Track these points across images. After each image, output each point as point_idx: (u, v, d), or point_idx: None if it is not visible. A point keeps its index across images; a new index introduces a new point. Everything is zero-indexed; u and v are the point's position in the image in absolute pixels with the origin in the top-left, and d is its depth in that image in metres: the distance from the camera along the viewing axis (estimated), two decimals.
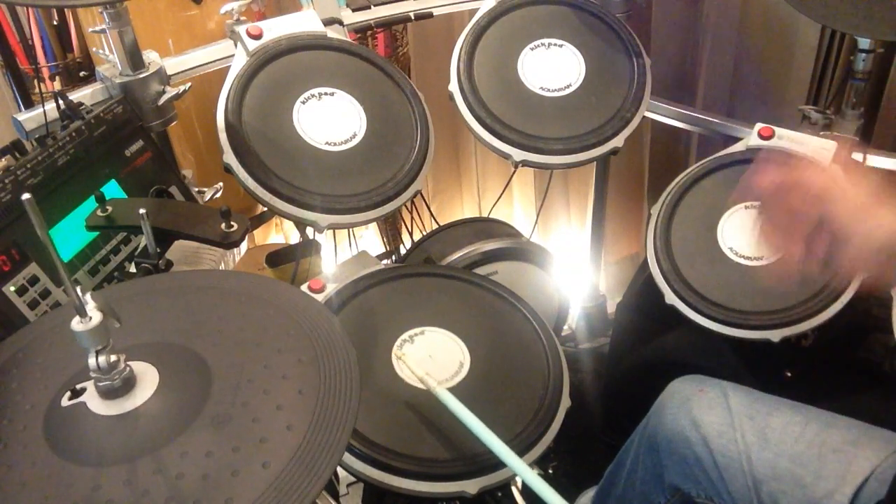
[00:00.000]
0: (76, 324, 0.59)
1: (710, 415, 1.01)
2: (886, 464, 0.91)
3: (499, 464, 0.92)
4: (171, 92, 1.25)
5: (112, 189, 1.13)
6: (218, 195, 1.37)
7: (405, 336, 1.04)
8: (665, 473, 1.06)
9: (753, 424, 0.99)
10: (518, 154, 1.23)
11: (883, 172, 1.31)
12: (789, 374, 1.36)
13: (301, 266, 1.42)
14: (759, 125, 1.26)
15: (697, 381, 1.07)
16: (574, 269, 1.93)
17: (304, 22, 1.21)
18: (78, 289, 0.58)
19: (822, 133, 1.28)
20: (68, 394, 0.64)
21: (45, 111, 1.13)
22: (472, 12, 1.33)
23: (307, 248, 1.47)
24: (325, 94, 1.16)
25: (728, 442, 0.99)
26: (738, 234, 1.18)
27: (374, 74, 1.22)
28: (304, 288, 1.09)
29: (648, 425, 1.10)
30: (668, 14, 1.75)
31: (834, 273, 0.65)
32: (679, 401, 1.05)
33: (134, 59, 1.21)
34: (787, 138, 1.23)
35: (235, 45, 1.18)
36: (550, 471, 1.51)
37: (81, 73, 1.86)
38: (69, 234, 1.05)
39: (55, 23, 1.85)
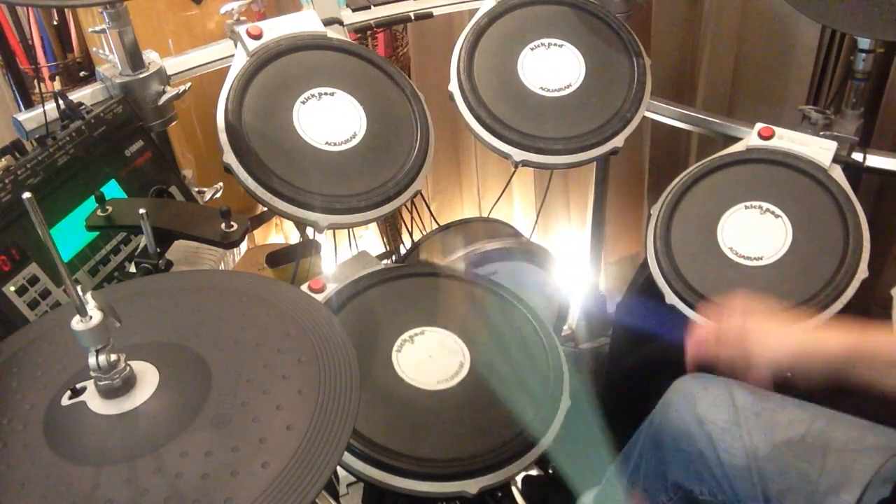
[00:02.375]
0: (76, 323, 0.59)
1: (714, 412, 1.01)
2: (891, 463, 0.91)
3: (499, 464, 0.92)
4: (171, 92, 1.25)
5: (112, 189, 1.12)
6: (218, 195, 1.37)
7: (405, 336, 1.04)
8: (669, 471, 1.06)
9: (758, 421, 0.99)
10: (518, 154, 1.23)
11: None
12: (789, 374, 1.35)
13: (301, 266, 1.42)
14: (759, 125, 1.26)
15: (703, 379, 1.07)
16: (574, 269, 1.93)
17: (304, 22, 1.21)
18: (78, 288, 0.58)
19: (822, 133, 1.28)
20: (68, 393, 0.64)
21: (45, 111, 1.13)
22: (472, 12, 1.33)
23: (307, 248, 1.47)
24: (325, 94, 1.16)
25: (733, 439, 0.99)
26: (738, 234, 1.18)
27: (374, 74, 1.22)
28: (304, 288, 1.09)
29: (653, 423, 1.10)
30: (668, 14, 1.75)
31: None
32: (684, 398, 1.05)
33: (134, 59, 1.21)
34: (787, 138, 1.24)
35: (235, 45, 1.18)
36: (550, 471, 1.51)
37: (81, 73, 1.86)
38: (69, 234, 1.05)
39: (55, 23, 1.85)
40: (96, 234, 1.08)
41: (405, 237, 1.74)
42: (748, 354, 0.86)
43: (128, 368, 0.63)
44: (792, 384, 0.90)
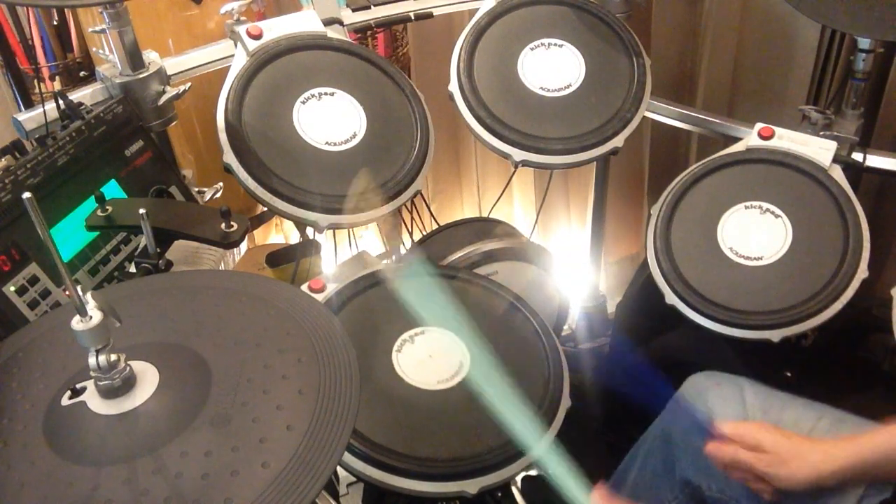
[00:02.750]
0: (76, 323, 0.59)
1: (725, 408, 1.02)
2: None
3: (499, 464, 0.92)
4: (171, 92, 1.25)
5: (112, 189, 1.13)
6: (218, 195, 1.37)
7: (405, 336, 1.04)
8: (677, 467, 1.07)
9: (767, 418, 1.00)
10: (518, 154, 1.23)
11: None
12: (789, 374, 1.36)
13: (301, 266, 1.42)
14: (759, 125, 1.26)
15: (714, 377, 1.09)
16: (574, 269, 1.93)
17: (304, 22, 1.21)
18: (78, 288, 0.58)
19: (822, 133, 1.28)
20: (68, 393, 0.64)
21: (45, 111, 1.13)
22: (472, 12, 1.33)
23: (307, 248, 1.47)
24: (325, 94, 1.16)
25: None
26: (738, 234, 1.18)
27: (374, 74, 1.22)
28: (304, 288, 1.09)
29: (664, 420, 1.11)
30: (668, 14, 1.75)
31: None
32: (695, 394, 1.06)
33: (134, 59, 1.21)
34: (787, 138, 1.24)
35: (235, 45, 1.18)
36: (550, 471, 1.50)
37: (81, 73, 1.86)
38: (69, 234, 1.05)
39: (55, 23, 1.85)
40: (96, 234, 1.08)
41: (405, 237, 1.74)
42: (763, 469, 0.90)
43: (128, 368, 0.63)
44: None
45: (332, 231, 1.42)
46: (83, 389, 0.64)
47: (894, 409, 0.90)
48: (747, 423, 0.96)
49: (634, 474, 1.17)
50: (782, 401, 1.03)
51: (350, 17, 1.42)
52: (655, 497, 1.12)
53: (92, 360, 0.60)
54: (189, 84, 1.28)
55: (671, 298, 1.17)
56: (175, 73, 1.29)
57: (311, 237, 1.50)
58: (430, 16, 1.46)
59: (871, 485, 0.89)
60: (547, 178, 1.75)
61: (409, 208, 1.64)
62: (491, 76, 1.28)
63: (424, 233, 1.62)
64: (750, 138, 1.26)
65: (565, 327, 1.82)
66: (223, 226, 0.97)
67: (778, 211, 1.18)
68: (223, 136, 1.08)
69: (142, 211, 0.92)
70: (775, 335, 1.11)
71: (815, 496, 0.92)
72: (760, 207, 1.19)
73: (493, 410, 0.95)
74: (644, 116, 1.31)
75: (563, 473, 0.90)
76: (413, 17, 1.45)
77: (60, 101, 1.12)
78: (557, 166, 1.28)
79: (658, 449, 1.12)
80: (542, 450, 0.96)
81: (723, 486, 1.01)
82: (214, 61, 1.32)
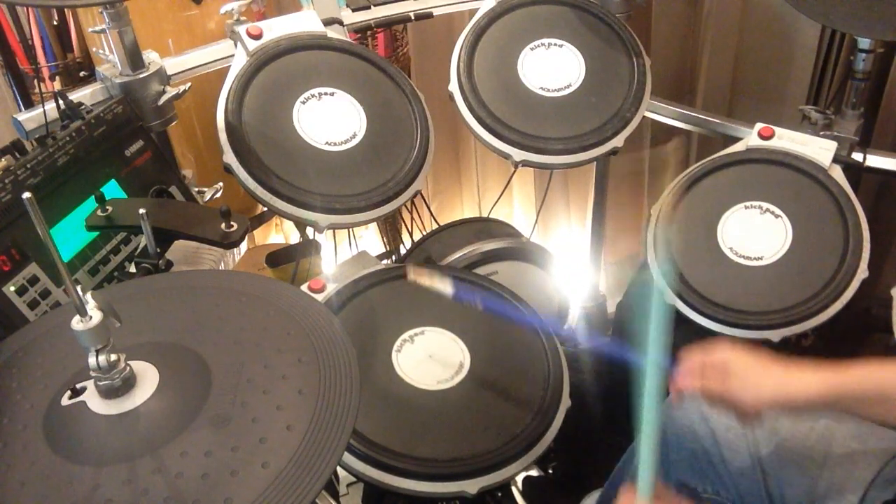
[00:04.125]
0: (76, 323, 0.59)
1: (719, 409, 1.01)
2: (893, 464, 0.91)
3: (499, 464, 0.92)
4: (171, 92, 1.25)
5: (112, 189, 1.12)
6: (218, 195, 1.37)
7: (405, 336, 1.04)
8: (672, 469, 1.06)
9: (764, 416, 0.99)
10: (518, 154, 1.23)
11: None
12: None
13: (301, 266, 1.42)
14: (759, 125, 1.26)
15: None
16: (574, 269, 1.93)
17: (304, 22, 1.21)
18: (78, 288, 0.58)
19: (822, 133, 1.28)
20: (68, 393, 0.64)
21: (45, 111, 1.13)
22: (472, 12, 1.33)
23: (307, 248, 1.47)
24: (325, 94, 1.16)
25: (736, 437, 0.99)
26: (738, 234, 1.18)
27: (374, 74, 1.22)
28: (304, 288, 1.09)
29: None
30: (668, 14, 1.75)
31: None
32: (689, 396, 1.05)
33: (134, 59, 1.21)
34: (787, 138, 1.24)
35: (235, 45, 1.18)
36: (550, 471, 1.51)
37: (81, 73, 1.86)
38: (69, 234, 1.05)
39: (55, 23, 1.85)
40: (96, 234, 1.08)
41: (405, 237, 1.74)
42: (730, 392, 0.87)
43: (128, 368, 0.63)
44: None
45: (332, 231, 1.42)
46: (83, 389, 0.64)
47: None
48: (713, 347, 0.92)
49: (631, 475, 1.17)
50: None
51: (350, 17, 1.42)
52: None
53: (92, 360, 0.60)
54: (189, 84, 1.28)
55: (671, 298, 1.17)
56: (175, 73, 1.29)
57: (311, 237, 1.50)
58: (430, 16, 1.46)
59: (872, 486, 0.89)
60: (547, 178, 1.75)
61: (409, 208, 1.64)
62: (491, 76, 1.28)
63: (424, 233, 1.62)
64: (750, 138, 1.26)
65: (565, 327, 1.82)
66: (223, 226, 0.97)
67: (778, 211, 1.18)
68: (223, 136, 1.08)
69: (142, 211, 0.92)
70: (775, 335, 1.11)
71: (815, 496, 0.92)
72: (760, 207, 1.19)
73: (493, 410, 0.95)
74: (644, 116, 1.31)
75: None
76: (413, 17, 1.45)
77: (60, 101, 1.12)
78: (557, 166, 1.28)
79: None
80: (542, 450, 0.96)
81: (718, 489, 1.00)
82: (214, 61, 1.32)
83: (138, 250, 1.05)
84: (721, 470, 0.99)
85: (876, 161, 1.31)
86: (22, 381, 0.68)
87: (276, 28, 1.18)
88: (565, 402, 1.02)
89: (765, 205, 1.19)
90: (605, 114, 1.28)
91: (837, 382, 0.83)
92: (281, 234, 2.18)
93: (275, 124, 1.12)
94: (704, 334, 1.14)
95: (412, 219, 1.67)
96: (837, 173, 1.20)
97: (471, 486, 0.90)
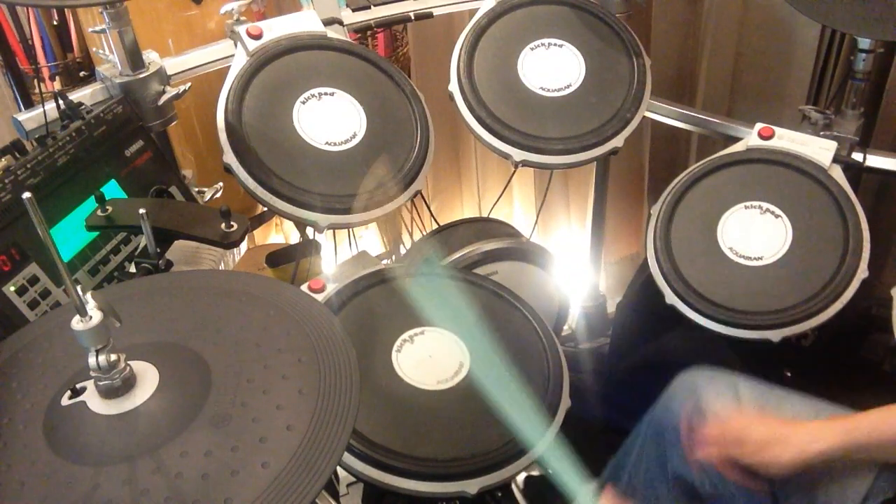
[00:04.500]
0: (76, 323, 0.59)
1: (717, 404, 1.01)
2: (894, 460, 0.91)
3: (499, 464, 0.92)
4: (171, 92, 1.25)
5: (112, 189, 1.13)
6: (218, 195, 1.37)
7: (405, 336, 1.04)
8: (670, 462, 1.06)
9: (762, 414, 0.99)
10: (518, 154, 1.23)
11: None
12: (789, 374, 1.36)
13: (301, 266, 1.42)
14: (759, 125, 1.26)
15: (708, 372, 1.07)
16: (574, 269, 1.93)
17: (304, 22, 1.21)
18: (78, 288, 0.58)
19: (822, 133, 1.28)
20: (68, 393, 0.64)
21: (45, 111, 1.13)
22: (472, 12, 1.33)
23: (307, 248, 1.47)
24: (325, 94, 1.16)
25: None
26: (738, 234, 1.18)
27: (374, 74, 1.22)
28: (304, 288, 1.09)
29: (655, 415, 1.10)
30: (668, 14, 1.75)
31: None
32: (687, 390, 1.05)
33: (134, 59, 1.21)
34: (787, 138, 1.24)
35: (235, 45, 1.18)
36: (550, 471, 1.51)
37: (81, 73, 1.86)
38: (69, 234, 1.05)
39: (55, 23, 1.85)
40: (96, 234, 1.08)
41: (405, 237, 1.74)
42: (748, 462, 0.90)
43: (128, 368, 0.63)
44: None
45: (332, 231, 1.42)
46: (83, 389, 0.64)
47: None
48: (727, 416, 0.94)
49: (629, 469, 1.17)
50: (778, 396, 1.02)
51: (350, 17, 1.42)
52: (651, 492, 1.12)
53: (92, 360, 0.60)
54: (189, 84, 1.28)
55: (671, 298, 1.17)
56: (175, 73, 1.29)
57: (311, 237, 1.50)
58: (430, 16, 1.46)
59: (874, 486, 0.89)
60: (547, 178, 1.76)
61: (409, 208, 1.64)
62: (491, 76, 1.28)
63: (424, 233, 1.62)
64: (750, 138, 1.26)
65: (565, 327, 1.82)
66: (223, 226, 0.97)
67: (778, 211, 1.18)
68: (223, 136, 1.08)
69: (142, 211, 0.92)
70: (775, 335, 1.11)
71: (814, 495, 0.92)
72: (760, 207, 1.19)
73: (493, 410, 0.95)
74: (644, 116, 1.31)
75: (564, 472, 0.90)
76: (413, 17, 1.45)
77: (60, 101, 1.12)
78: (557, 166, 1.28)
79: (650, 443, 1.11)
80: (543, 449, 0.96)
81: (715, 482, 1.00)
82: (214, 61, 1.32)
83: (138, 250, 1.05)
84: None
85: (876, 161, 1.31)
86: (22, 381, 0.68)
87: (276, 28, 1.18)
88: (565, 402, 1.02)
89: (765, 205, 1.19)
90: (605, 114, 1.28)
91: (849, 432, 0.86)
92: (281, 234, 2.18)
93: (275, 124, 1.12)
94: (704, 334, 1.14)
95: (412, 219, 1.67)
96: (837, 173, 1.20)
97: (471, 486, 0.90)
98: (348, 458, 0.90)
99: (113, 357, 0.61)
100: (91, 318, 0.59)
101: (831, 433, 0.86)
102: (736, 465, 0.91)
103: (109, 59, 1.22)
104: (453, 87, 1.27)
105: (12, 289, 0.95)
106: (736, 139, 1.32)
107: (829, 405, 1.00)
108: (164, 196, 1.20)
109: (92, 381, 0.63)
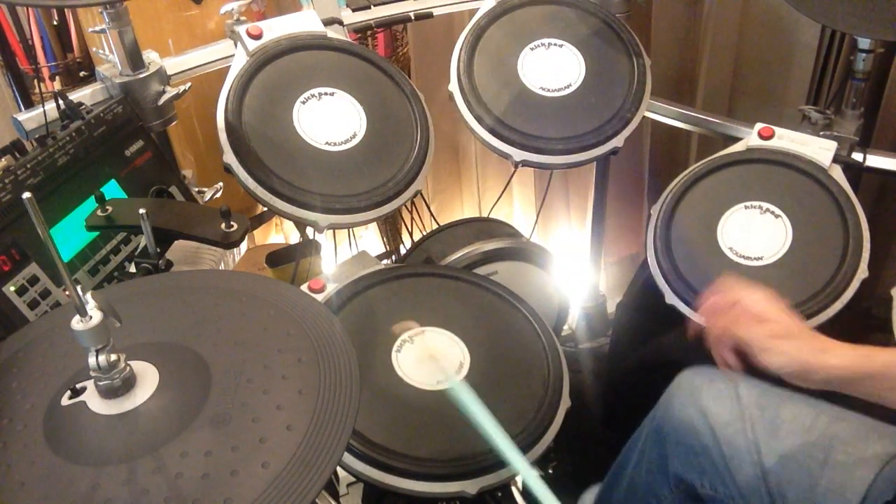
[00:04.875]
0: (76, 323, 0.59)
1: (718, 405, 1.01)
2: (894, 463, 0.91)
3: (499, 464, 0.92)
4: (171, 92, 1.25)
5: (112, 189, 1.13)
6: (218, 195, 1.37)
7: (405, 336, 1.04)
8: (671, 464, 1.06)
9: (763, 415, 0.99)
10: (518, 154, 1.23)
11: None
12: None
13: (301, 266, 1.42)
14: (759, 125, 1.26)
15: (708, 373, 1.07)
16: (574, 269, 1.93)
17: (304, 22, 1.21)
18: (78, 288, 0.58)
19: (822, 133, 1.28)
20: (68, 393, 0.64)
21: (45, 111, 1.13)
22: (472, 12, 1.33)
23: (307, 248, 1.47)
24: (325, 94, 1.16)
25: (736, 432, 0.99)
26: (738, 234, 1.18)
27: (374, 74, 1.22)
28: (304, 288, 1.09)
29: (656, 416, 1.10)
30: (668, 14, 1.75)
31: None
32: (688, 391, 1.05)
33: (134, 59, 1.21)
34: (787, 138, 1.24)
35: (235, 45, 1.18)
36: (550, 470, 1.51)
37: (81, 73, 1.86)
38: (69, 234, 1.05)
39: (55, 23, 1.85)
40: (96, 234, 1.08)
41: (405, 237, 1.74)
42: (753, 337, 0.83)
43: (128, 368, 0.63)
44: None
45: (332, 231, 1.42)
46: (83, 389, 0.64)
47: (894, 410, 0.89)
48: (752, 289, 0.88)
49: (630, 471, 1.17)
50: (779, 397, 1.02)
51: (350, 17, 1.42)
52: (652, 494, 1.12)
53: (92, 360, 0.60)
54: (189, 84, 1.28)
55: (671, 298, 1.17)
56: (175, 73, 1.29)
57: (311, 237, 1.50)
58: (430, 16, 1.46)
59: (874, 485, 0.89)
60: (547, 178, 1.76)
61: (409, 208, 1.64)
62: (491, 76, 1.28)
63: (424, 233, 1.62)
64: (750, 138, 1.26)
65: (565, 327, 1.82)
66: (223, 226, 0.97)
67: (778, 211, 1.18)
68: (223, 136, 1.08)
69: (142, 211, 0.92)
70: None
71: (815, 494, 0.92)
72: (760, 207, 1.19)
73: (493, 410, 0.95)
74: (644, 116, 1.31)
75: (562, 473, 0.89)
76: (413, 17, 1.45)
77: (60, 101, 1.12)
78: (557, 166, 1.28)
79: (651, 446, 1.11)
80: (542, 450, 0.96)
81: (716, 484, 1.00)
82: (214, 61, 1.32)
83: (138, 250, 1.05)
84: (720, 466, 0.99)
85: (876, 161, 1.31)
86: (22, 381, 0.68)
87: (276, 28, 1.18)
88: (565, 402, 1.02)
89: (765, 205, 1.19)
90: (605, 114, 1.28)
91: (866, 357, 0.80)
92: (281, 234, 2.18)
93: (275, 124, 1.12)
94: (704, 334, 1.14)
95: (412, 219, 1.67)
96: (837, 173, 1.20)
97: (471, 486, 0.90)
98: (348, 458, 0.90)
99: (113, 357, 0.61)
100: (91, 318, 0.59)
101: (845, 354, 0.80)
102: (735, 348, 0.85)
103: (109, 59, 1.22)
104: (453, 87, 1.27)
105: (12, 289, 0.95)
106: (736, 139, 1.32)
107: (830, 406, 1.00)
108: (164, 196, 1.20)
109: (92, 381, 0.63)
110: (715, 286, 0.89)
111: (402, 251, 1.67)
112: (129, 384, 0.63)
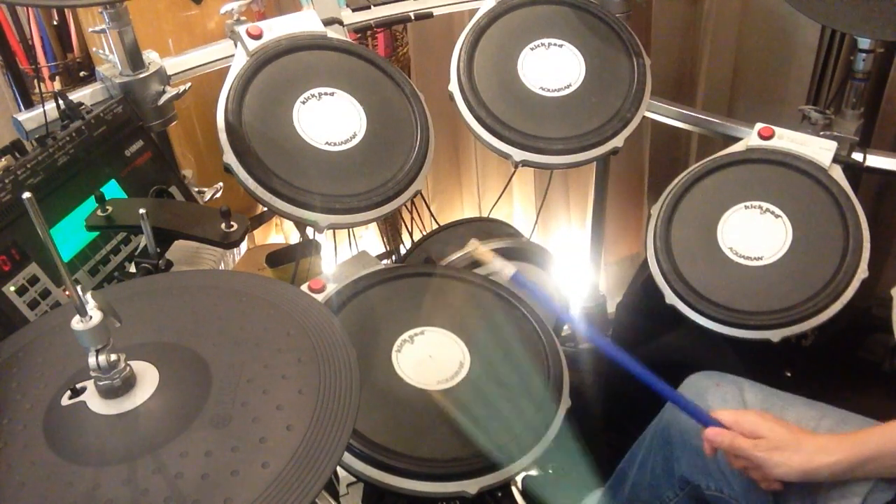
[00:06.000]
0: (76, 323, 0.59)
1: (723, 407, 1.02)
2: None
3: (499, 463, 0.92)
4: (171, 92, 1.25)
5: (112, 189, 1.13)
6: (218, 195, 1.37)
7: (405, 336, 1.04)
8: (676, 466, 1.06)
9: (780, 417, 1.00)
10: (518, 154, 1.23)
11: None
12: (789, 374, 1.36)
13: (301, 266, 1.42)
14: (759, 125, 1.26)
15: (714, 376, 1.08)
16: (574, 269, 1.93)
17: (304, 22, 1.21)
18: (78, 288, 0.58)
19: (822, 133, 1.28)
20: (68, 393, 0.64)
21: (45, 111, 1.13)
22: (472, 12, 1.33)
23: (307, 248, 1.47)
24: (325, 94, 1.16)
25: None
26: (738, 234, 1.18)
27: (374, 74, 1.22)
28: (304, 288, 1.09)
29: (663, 418, 1.11)
30: (668, 14, 1.75)
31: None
32: (695, 394, 1.06)
33: (134, 59, 1.21)
34: (787, 138, 1.24)
35: (235, 45, 1.18)
36: (550, 471, 1.51)
37: (81, 73, 1.86)
38: (69, 234, 1.05)
39: (55, 23, 1.85)
40: (96, 234, 1.08)
41: (405, 237, 1.74)
42: (759, 462, 0.90)
43: (128, 368, 0.63)
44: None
45: (332, 231, 1.42)
46: (83, 389, 0.64)
47: (894, 409, 0.90)
48: (745, 411, 0.96)
49: (635, 473, 1.17)
50: (783, 400, 1.03)
51: (350, 17, 1.42)
52: (656, 496, 1.12)
53: (92, 360, 0.60)
54: (189, 84, 1.28)
55: (671, 298, 1.17)
56: (175, 73, 1.29)
57: (311, 237, 1.50)
58: (430, 16, 1.46)
59: (875, 486, 0.89)
60: (547, 178, 1.75)
61: (409, 208, 1.64)
62: (491, 76, 1.28)
63: (424, 233, 1.62)
64: (750, 138, 1.26)
65: (565, 327, 1.82)
66: (223, 226, 0.97)
67: (778, 211, 1.18)
68: (223, 136, 1.08)
69: (142, 211, 0.92)
70: (775, 335, 1.11)
71: (815, 496, 0.92)
72: (760, 207, 1.19)
73: (493, 410, 0.95)
74: (644, 116, 1.31)
75: (562, 473, 0.90)
76: (413, 17, 1.45)
77: (60, 101, 1.12)
78: (557, 166, 1.28)
79: (657, 448, 1.12)
80: (542, 450, 0.96)
81: (721, 485, 1.01)
82: (214, 61, 1.32)
83: (138, 250, 1.05)
84: (724, 467, 0.99)
85: (876, 161, 1.31)
86: (22, 381, 0.68)
87: (276, 28, 1.18)
88: (565, 402, 1.02)
89: (765, 205, 1.19)
90: (605, 114, 1.28)
91: (858, 449, 0.87)
92: (281, 234, 2.18)
93: (275, 124, 1.12)
94: (704, 334, 1.14)
95: (412, 219, 1.67)
96: (837, 173, 1.20)
97: (471, 486, 0.90)
98: (348, 458, 0.90)
99: (113, 357, 0.61)
100: (91, 318, 0.59)
101: (840, 447, 0.88)
102: (744, 458, 0.92)
103: (109, 59, 1.22)
104: (453, 86, 1.27)
105: (12, 289, 0.95)
106: (736, 139, 1.32)
107: (834, 409, 1.00)
108: (164, 196, 1.20)
109: (92, 381, 0.63)
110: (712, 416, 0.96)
111: (402, 251, 1.67)
112: (129, 384, 0.63)
